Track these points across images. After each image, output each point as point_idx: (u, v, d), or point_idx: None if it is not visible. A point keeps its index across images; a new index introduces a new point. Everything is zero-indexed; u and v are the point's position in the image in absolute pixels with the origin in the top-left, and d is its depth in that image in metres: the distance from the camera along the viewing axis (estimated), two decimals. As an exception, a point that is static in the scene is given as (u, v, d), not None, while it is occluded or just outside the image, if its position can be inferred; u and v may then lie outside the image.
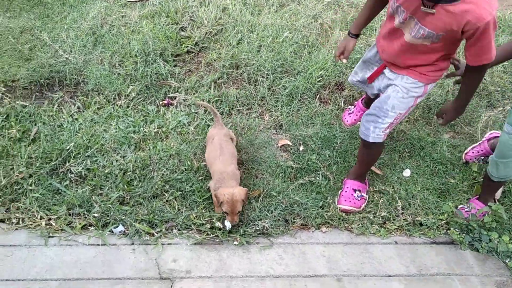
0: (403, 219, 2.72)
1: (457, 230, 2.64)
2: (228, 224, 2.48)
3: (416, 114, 3.33)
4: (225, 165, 2.55)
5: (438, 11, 1.96)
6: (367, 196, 2.81)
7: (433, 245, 2.60)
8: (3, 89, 3.31)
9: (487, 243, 2.54)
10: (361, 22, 2.56)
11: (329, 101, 3.42)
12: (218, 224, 2.50)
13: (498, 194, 2.85)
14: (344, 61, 2.66)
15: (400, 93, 2.37)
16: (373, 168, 2.95)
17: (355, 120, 3.21)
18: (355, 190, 2.76)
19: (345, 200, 2.73)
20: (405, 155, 3.10)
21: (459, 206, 2.77)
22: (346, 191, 2.76)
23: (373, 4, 2.46)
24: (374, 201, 2.78)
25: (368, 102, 3.11)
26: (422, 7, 2.00)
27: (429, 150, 3.12)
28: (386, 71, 2.47)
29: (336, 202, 2.77)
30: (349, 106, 3.31)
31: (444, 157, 3.07)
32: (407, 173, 2.99)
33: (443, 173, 3.00)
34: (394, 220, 2.71)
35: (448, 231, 2.66)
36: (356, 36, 2.60)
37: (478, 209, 2.69)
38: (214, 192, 2.51)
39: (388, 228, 2.67)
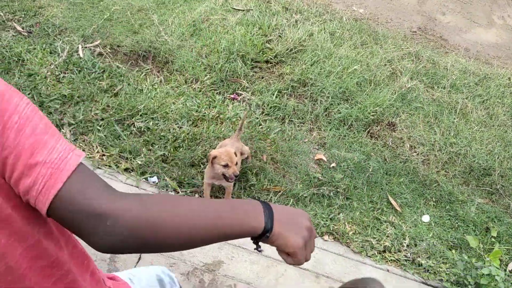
0: (404, 255, 2.82)
1: (452, 280, 2.69)
2: None
3: (456, 171, 3.41)
4: None
5: None
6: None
7: (423, 285, 2.68)
8: (109, 50, 3.95)
9: (476, 300, 2.57)
10: None
11: (378, 137, 3.61)
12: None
13: None
14: None
15: None
16: (393, 202, 3.10)
17: None
18: None
19: None
20: (431, 203, 3.20)
21: None
22: None
23: None
24: (381, 230, 2.92)
25: None
26: None
27: (456, 207, 3.18)
28: None
29: None
30: None
31: (469, 217, 3.12)
32: (426, 218, 3.08)
33: (462, 230, 3.06)
34: (395, 252, 2.83)
35: (443, 278, 2.72)
36: None
37: None
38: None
39: (385, 257, 2.80)
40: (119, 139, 3.16)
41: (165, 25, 4.19)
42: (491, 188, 3.36)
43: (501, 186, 3.37)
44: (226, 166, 2.53)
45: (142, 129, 3.25)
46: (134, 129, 3.25)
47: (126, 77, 3.71)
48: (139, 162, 3.01)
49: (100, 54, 3.88)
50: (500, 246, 2.96)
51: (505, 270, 2.85)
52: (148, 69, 3.89)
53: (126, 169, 2.99)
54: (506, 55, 4.76)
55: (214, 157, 2.55)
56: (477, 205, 3.22)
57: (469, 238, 2.87)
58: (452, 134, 3.64)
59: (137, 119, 3.31)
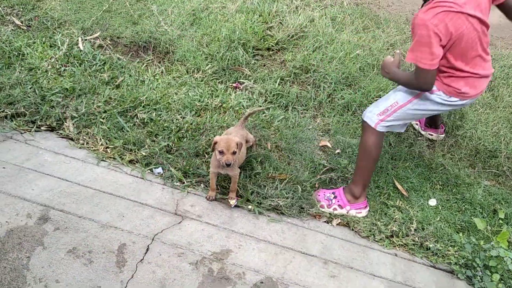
0: (412, 239, 2.81)
1: (460, 263, 2.68)
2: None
3: (462, 154, 3.38)
4: None
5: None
6: (340, 211, 2.89)
7: (431, 268, 2.67)
8: (109, 42, 3.92)
9: (484, 281, 2.56)
10: None
11: (382, 122, 3.58)
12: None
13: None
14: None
15: None
16: (399, 187, 3.08)
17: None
18: (333, 194, 2.90)
19: (323, 193, 2.94)
20: (437, 187, 3.18)
21: None
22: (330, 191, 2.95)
23: None
24: (388, 214, 2.91)
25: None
26: None
27: (463, 190, 3.16)
28: None
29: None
30: None
31: (476, 200, 3.10)
32: (433, 202, 3.07)
33: (470, 212, 3.04)
34: (402, 237, 2.82)
35: (451, 261, 2.71)
36: None
37: None
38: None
39: (393, 242, 2.79)
40: (123, 131, 3.14)
41: (165, 15, 4.15)
42: (497, 170, 3.33)
43: (508, 167, 3.35)
44: (221, 152, 2.52)
45: (145, 120, 3.23)
46: (137, 120, 3.24)
47: (127, 69, 3.69)
48: (144, 154, 2.99)
49: (100, 46, 3.85)
50: (508, 228, 2.95)
51: (513, 252, 2.84)
52: (149, 60, 3.86)
53: (130, 161, 2.98)
54: (509, 36, 4.71)
55: (215, 143, 2.55)
56: (484, 187, 3.20)
57: (477, 220, 2.86)
58: (457, 117, 3.61)
59: (140, 111, 3.29)
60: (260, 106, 3.45)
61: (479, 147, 3.42)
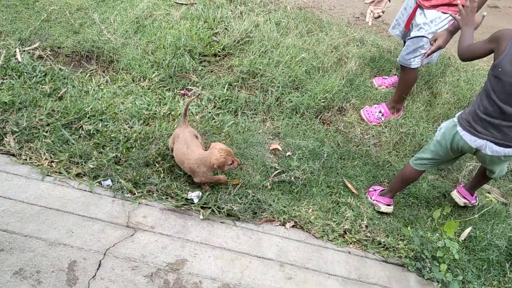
0: (364, 235, 2.89)
1: (410, 255, 2.78)
2: (195, 197, 2.75)
3: (406, 150, 3.51)
4: (197, 150, 2.81)
5: None
6: (384, 119, 3.69)
7: (383, 263, 2.76)
8: (49, 52, 3.78)
9: (433, 272, 2.67)
10: None
11: (330, 123, 3.67)
12: (190, 194, 2.78)
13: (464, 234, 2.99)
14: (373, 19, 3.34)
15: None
16: (349, 185, 3.16)
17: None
18: (380, 111, 3.66)
19: (366, 111, 3.70)
20: (385, 183, 3.28)
21: None
22: (375, 108, 3.71)
23: None
24: (340, 213, 2.97)
25: None
26: None
27: (410, 186, 3.28)
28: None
29: (362, 109, 3.74)
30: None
31: (422, 194, 3.23)
32: (382, 198, 3.16)
33: (416, 206, 3.16)
34: (355, 234, 2.89)
35: (401, 255, 2.80)
36: None
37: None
38: (204, 179, 2.82)
39: (346, 239, 2.85)
40: (68, 144, 3.04)
41: (107, 23, 4.06)
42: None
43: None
44: (232, 162, 2.75)
45: (92, 131, 3.14)
46: (83, 132, 3.14)
47: (70, 79, 3.58)
48: (91, 166, 2.91)
49: (40, 57, 3.71)
50: (452, 219, 3.08)
51: (458, 241, 2.97)
52: (92, 69, 3.76)
53: (77, 175, 2.88)
54: (444, 36, 4.93)
55: (223, 163, 2.68)
56: (429, 181, 3.34)
57: (435, 213, 2.97)
58: (401, 116, 3.74)
59: (85, 122, 3.20)
60: (203, 102, 3.45)
61: (422, 143, 3.56)
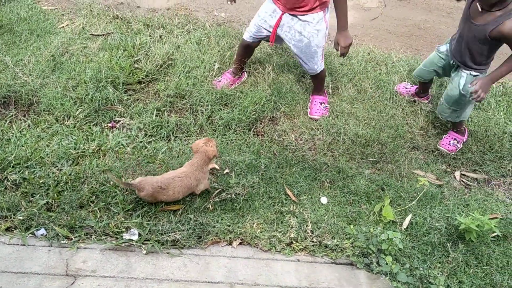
0: (311, 241, 2.91)
1: (357, 253, 2.83)
2: (132, 235, 2.68)
3: (340, 150, 3.59)
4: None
5: None
6: (329, 106, 3.91)
7: (332, 264, 2.79)
8: (-39, 104, 3.58)
9: (381, 265, 2.73)
10: None
11: (264, 133, 3.69)
12: (125, 236, 2.70)
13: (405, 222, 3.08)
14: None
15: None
16: (289, 193, 3.19)
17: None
18: (321, 103, 3.84)
19: (315, 112, 3.82)
20: (326, 185, 3.34)
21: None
22: (315, 105, 3.85)
23: None
24: (285, 222, 2.99)
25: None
26: None
27: (348, 182, 3.36)
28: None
29: (308, 113, 3.86)
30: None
31: (360, 190, 3.30)
32: (324, 200, 3.21)
33: (357, 203, 3.23)
34: (302, 241, 2.91)
35: (349, 254, 2.85)
36: None
37: None
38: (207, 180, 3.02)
39: (294, 248, 2.86)
40: (-7, 198, 2.88)
41: (21, 65, 3.90)
42: (374, 158, 3.59)
43: (382, 154, 3.62)
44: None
45: (18, 181, 2.99)
46: (8, 183, 2.98)
47: (-12, 129, 3.40)
48: (21, 218, 2.76)
49: (-49, 110, 3.51)
50: (393, 210, 3.16)
51: (401, 231, 3.07)
52: (11, 115, 3.60)
53: (7, 229, 2.73)
54: (362, 33, 5.13)
55: (212, 155, 2.91)
56: (366, 176, 3.43)
57: (376, 206, 3.10)
58: (331, 116, 3.83)
59: (10, 172, 3.04)
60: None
61: (354, 139, 3.65)
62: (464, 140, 3.76)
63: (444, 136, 3.78)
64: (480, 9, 2.96)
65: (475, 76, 3.27)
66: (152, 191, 2.77)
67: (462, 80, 3.34)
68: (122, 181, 2.86)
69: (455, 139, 3.72)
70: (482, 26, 2.99)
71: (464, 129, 3.77)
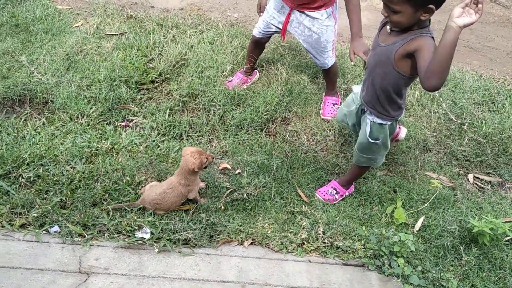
0: (322, 242, 2.91)
1: (369, 254, 2.82)
2: (144, 233, 2.70)
3: (353, 151, 3.57)
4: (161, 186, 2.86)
5: None
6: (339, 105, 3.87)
7: (344, 266, 2.78)
8: (-25, 100, 3.63)
9: (393, 267, 2.72)
10: None
11: (276, 134, 3.69)
12: (138, 234, 2.72)
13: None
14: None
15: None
16: (300, 193, 3.18)
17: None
18: (333, 104, 3.87)
19: (328, 113, 3.83)
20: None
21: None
22: (327, 105, 3.86)
23: None
24: (296, 222, 2.99)
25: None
26: None
27: (360, 184, 3.34)
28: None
29: (320, 114, 3.86)
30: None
31: (372, 191, 3.29)
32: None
33: (369, 204, 3.22)
34: (313, 242, 2.90)
35: (361, 255, 2.84)
36: None
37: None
38: (197, 187, 2.94)
39: (305, 248, 2.86)
40: (8, 195, 2.91)
41: (37, 64, 3.94)
42: (386, 160, 3.57)
43: (394, 155, 3.60)
44: (207, 160, 2.83)
45: (32, 178, 3.02)
46: (23, 180, 3.02)
47: (4, 127, 3.44)
48: (35, 215, 2.79)
49: (-33, 108, 3.56)
50: (402, 206, 3.14)
51: (413, 233, 3.05)
52: (27, 113, 3.64)
53: (22, 225, 2.76)
54: (375, 34, 5.09)
55: (200, 165, 2.75)
56: (378, 178, 3.41)
57: (388, 208, 3.13)
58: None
59: (25, 169, 3.08)
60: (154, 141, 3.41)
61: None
62: (346, 194, 3.25)
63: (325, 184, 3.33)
64: (389, 31, 2.42)
65: (380, 124, 2.74)
66: (152, 208, 2.86)
67: (367, 127, 2.82)
68: (122, 205, 2.90)
69: (334, 189, 3.23)
70: (390, 46, 2.38)
71: (353, 184, 3.31)
